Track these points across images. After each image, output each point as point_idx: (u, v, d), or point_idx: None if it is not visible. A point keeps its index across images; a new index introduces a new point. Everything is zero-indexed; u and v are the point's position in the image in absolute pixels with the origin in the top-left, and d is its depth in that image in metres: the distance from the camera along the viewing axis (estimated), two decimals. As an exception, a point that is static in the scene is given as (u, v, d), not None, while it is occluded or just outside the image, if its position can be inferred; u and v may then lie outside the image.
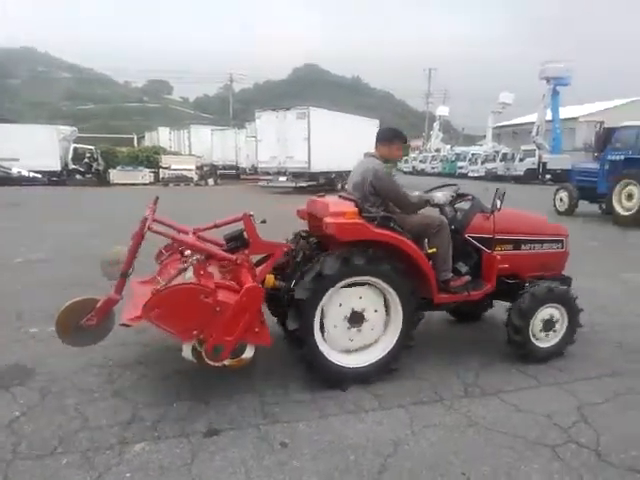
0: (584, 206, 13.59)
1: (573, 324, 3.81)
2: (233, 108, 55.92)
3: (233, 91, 62.05)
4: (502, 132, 46.09)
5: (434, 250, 3.54)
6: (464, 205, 4.03)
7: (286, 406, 3.07)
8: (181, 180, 25.60)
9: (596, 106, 40.74)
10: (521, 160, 29.44)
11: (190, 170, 26.35)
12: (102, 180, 25.47)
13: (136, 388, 3.27)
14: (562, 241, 4.10)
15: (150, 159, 27.41)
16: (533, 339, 3.70)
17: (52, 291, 5.38)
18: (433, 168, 41.38)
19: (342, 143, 20.54)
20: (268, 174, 21.03)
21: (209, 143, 31.40)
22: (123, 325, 3.03)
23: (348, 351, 3.37)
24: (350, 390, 3.27)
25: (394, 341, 3.40)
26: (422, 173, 41.26)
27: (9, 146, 22.81)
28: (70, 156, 25.68)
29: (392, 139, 3.79)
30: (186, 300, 2.77)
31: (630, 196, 11.89)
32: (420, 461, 2.55)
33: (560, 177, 23.60)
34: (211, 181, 26.92)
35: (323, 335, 3.27)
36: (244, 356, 3.01)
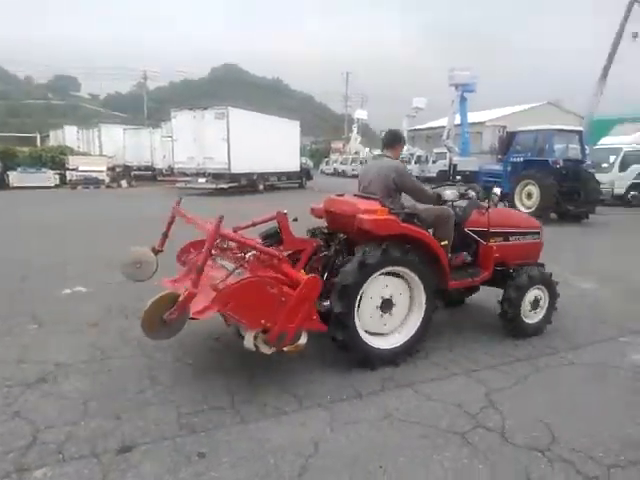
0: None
1: (552, 304, 4.44)
2: (148, 107, 53.14)
3: (147, 89, 59.06)
4: (416, 135, 48.11)
5: (445, 242, 3.99)
6: (461, 203, 4.48)
7: (204, 414, 2.97)
8: (91, 182, 23.86)
9: (502, 111, 43.82)
10: (434, 162, 30.91)
11: (101, 172, 24.59)
12: (-1, 184, 23.16)
13: (37, 408, 3.01)
14: (539, 232, 4.67)
15: (55, 160, 25.19)
16: (523, 317, 4.28)
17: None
18: (353, 170, 42.33)
19: (263, 144, 20.39)
20: (186, 175, 20.31)
21: (121, 143, 29.67)
22: (192, 319, 3.06)
23: (379, 334, 3.72)
24: (270, 392, 3.25)
25: (417, 325, 3.80)
26: (343, 175, 42.06)
27: None
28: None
29: (397, 141, 4.28)
30: (256, 292, 3.01)
31: (529, 195, 12.99)
32: (339, 458, 2.58)
33: (469, 178, 25.02)
34: (124, 183, 25.41)
35: (359, 319, 3.58)
36: (300, 342, 3.22)
